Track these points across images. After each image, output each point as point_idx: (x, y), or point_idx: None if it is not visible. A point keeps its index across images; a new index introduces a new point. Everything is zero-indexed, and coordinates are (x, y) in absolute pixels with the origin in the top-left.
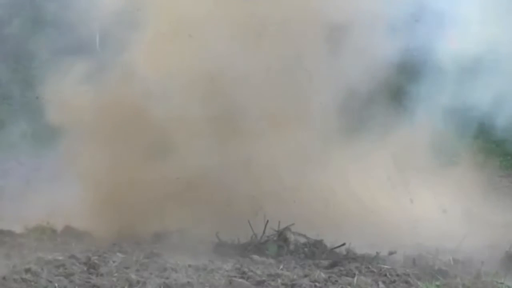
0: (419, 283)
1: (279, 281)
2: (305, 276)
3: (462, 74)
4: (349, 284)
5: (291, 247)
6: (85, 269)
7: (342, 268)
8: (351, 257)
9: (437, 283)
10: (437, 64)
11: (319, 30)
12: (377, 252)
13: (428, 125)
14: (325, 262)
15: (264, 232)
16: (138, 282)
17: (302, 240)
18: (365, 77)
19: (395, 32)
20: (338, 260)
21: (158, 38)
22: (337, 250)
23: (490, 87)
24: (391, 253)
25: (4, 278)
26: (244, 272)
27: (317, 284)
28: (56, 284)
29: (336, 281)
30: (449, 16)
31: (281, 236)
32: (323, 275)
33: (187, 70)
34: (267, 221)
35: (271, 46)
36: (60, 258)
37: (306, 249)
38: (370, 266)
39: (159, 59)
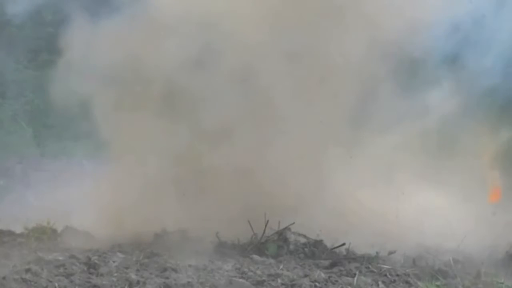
0: (419, 283)
1: (279, 281)
2: (305, 276)
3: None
4: (349, 284)
5: (291, 247)
6: (85, 269)
7: (342, 268)
8: (351, 257)
9: (437, 283)
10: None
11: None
12: (377, 252)
13: (429, 125)
14: (325, 262)
15: (264, 232)
16: (138, 282)
17: (302, 240)
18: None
19: None
20: (338, 260)
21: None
22: (337, 250)
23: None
24: (391, 253)
25: (4, 278)
26: (244, 272)
27: (317, 284)
28: (56, 284)
29: (336, 281)
30: None
31: (281, 236)
32: (323, 275)
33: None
34: (267, 221)
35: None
36: (60, 258)
37: (306, 249)
38: (370, 266)
39: None
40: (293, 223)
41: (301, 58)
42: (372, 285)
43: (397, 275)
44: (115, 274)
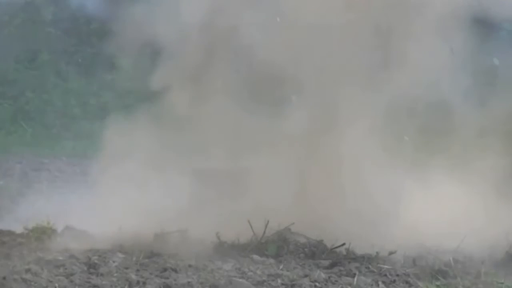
0: (419, 283)
1: (279, 281)
2: (305, 276)
3: None
4: (349, 284)
5: (291, 247)
6: (85, 269)
7: (342, 268)
8: (351, 257)
9: (437, 283)
10: None
11: None
12: (377, 252)
13: (428, 124)
14: (325, 262)
15: (264, 232)
16: (138, 282)
17: (302, 240)
18: None
19: None
20: (338, 260)
21: None
22: (337, 250)
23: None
24: (391, 253)
25: (4, 278)
26: (244, 272)
27: (317, 284)
28: (56, 284)
29: (336, 281)
30: None
31: (281, 236)
32: (323, 275)
33: None
34: (267, 221)
35: None
36: (60, 258)
37: (306, 249)
38: (370, 266)
39: None
40: (293, 223)
41: None
42: (372, 285)
43: (397, 275)
44: (115, 274)
